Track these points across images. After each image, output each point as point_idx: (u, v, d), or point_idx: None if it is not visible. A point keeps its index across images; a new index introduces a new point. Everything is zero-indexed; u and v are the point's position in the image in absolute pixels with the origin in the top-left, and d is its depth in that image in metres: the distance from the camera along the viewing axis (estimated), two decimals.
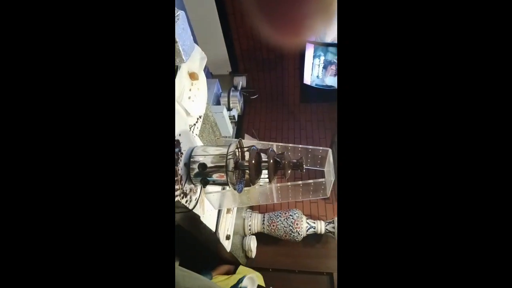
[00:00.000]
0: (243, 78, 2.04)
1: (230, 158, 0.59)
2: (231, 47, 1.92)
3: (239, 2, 1.66)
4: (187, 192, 0.65)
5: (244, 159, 0.65)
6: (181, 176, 0.61)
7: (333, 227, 1.36)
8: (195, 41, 0.58)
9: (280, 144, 0.81)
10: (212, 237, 0.92)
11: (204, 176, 0.63)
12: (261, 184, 0.86)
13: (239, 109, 1.92)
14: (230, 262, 1.29)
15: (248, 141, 0.67)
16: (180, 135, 0.61)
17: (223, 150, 0.62)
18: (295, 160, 0.60)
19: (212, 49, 1.84)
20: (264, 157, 0.61)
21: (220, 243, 0.97)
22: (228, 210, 1.06)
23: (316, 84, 1.84)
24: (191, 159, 0.63)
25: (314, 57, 1.69)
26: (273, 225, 1.40)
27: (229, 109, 1.85)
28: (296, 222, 1.37)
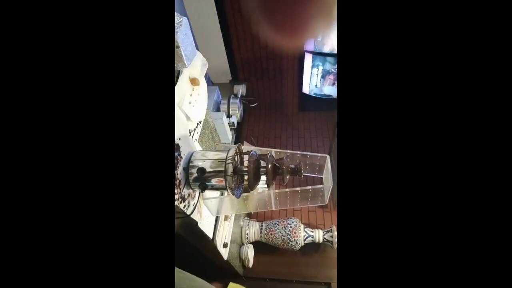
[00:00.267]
0: (243, 86, 2.06)
1: (229, 163, 0.59)
2: (232, 57, 1.95)
3: (240, 14, 1.70)
4: (185, 197, 0.65)
5: (243, 164, 0.66)
6: (180, 181, 0.61)
7: (331, 236, 1.35)
8: (197, 49, 0.60)
9: (279, 150, 0.81)
10: (209, 244, 0.91)
11: (202, 180, 0.63)
12: (259, 191, 0.86)
13: (238, 116, 1.94)
14: (225, 272, 1.26)
15: (247, 148, 0.68)
16: (180, 139, 0.61)
17: (222, 155, 0.62)
18: (293, 166, 0.61)
19: (213, 58, 1.87)
20: (263, 162, 0.61)
21: (218, 251, 0.96)
22: (226, 217, 1.05)
23: (314, 93, 1.86)
24: (190, 164, 0.63)
25: (313, 66, 1.72)
26: (271, 234, 1.39)
27: (228, 116, 1.86)
28: (294, 230, 1.36)
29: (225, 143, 1.51)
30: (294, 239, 1.34)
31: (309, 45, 1.67)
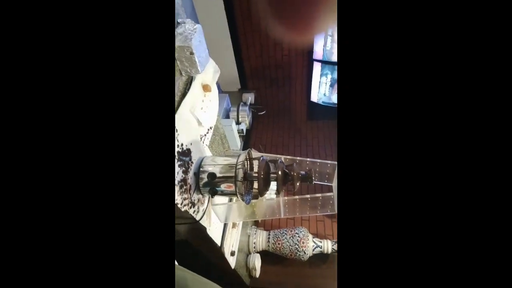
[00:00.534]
0: (252, 94, 2.09)
1: (239, 168, 0.59)
2: (241, 65, 1.99)
3: (250, 23, 1.73)
4: (195, 202, 0.65)
5: (253, 170, 0.66)
6: (190, 185, 0.62)
7: None
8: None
9: (288, 157, 0.81)
10: (217, 252, 0.90)
11: (212, 186, 0.63)
12: (267, 198, 0.85)
13: (247, 123, 1.95)
14: (232, 281, 1.24)
15: (255, 155, 0.68)
16: (191, 144, 0.62)
17: (232, 160, 0.62)
18: (304, 172, 0.60)
19: (223, 67, 1.91)
20: (273, 168, 0.61)
21: (225, 259, 0.95)
22: (234, 225, 1.04)
23: (323, 102, 1.86)
24: (201, 169, 0.64)
25: (321, 75, 1.73)
26: (279, 243, 1.36)
27: (238, 123, 1.88)
28: (302, 240, 1.33)
29: (234, 149, 1.52)
30: (302, 249, 1.32)
31: (318, 54, 1.69)
